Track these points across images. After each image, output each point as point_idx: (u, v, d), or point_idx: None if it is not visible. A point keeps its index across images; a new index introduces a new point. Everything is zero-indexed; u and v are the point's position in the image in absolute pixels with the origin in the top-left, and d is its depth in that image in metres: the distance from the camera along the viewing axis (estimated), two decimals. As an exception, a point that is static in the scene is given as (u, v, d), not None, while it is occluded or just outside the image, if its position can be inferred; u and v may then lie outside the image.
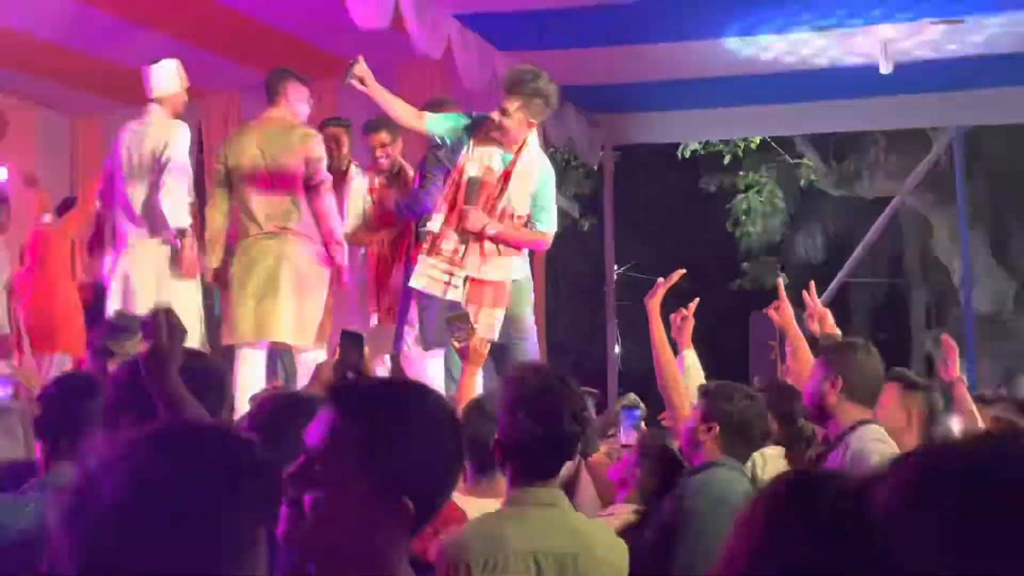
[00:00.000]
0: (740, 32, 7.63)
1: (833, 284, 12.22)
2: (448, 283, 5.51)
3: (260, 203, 5.95)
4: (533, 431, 2.73)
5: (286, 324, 5.87)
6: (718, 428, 3.59)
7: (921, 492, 1.00)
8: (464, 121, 5.67)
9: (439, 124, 5.69)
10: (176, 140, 5.98)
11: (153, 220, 5.93)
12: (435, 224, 5.58)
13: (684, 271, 4.58)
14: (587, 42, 7.73)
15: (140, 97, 6.25)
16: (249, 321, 5.85)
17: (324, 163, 6.12)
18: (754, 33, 7.65)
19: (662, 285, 4.43)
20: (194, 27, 7.34)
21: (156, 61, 6.16)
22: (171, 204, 5.81)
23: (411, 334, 6.07)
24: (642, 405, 4.93)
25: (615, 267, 10.00)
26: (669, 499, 3.60)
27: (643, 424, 5.24)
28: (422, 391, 1.80)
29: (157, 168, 5.89)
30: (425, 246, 5.60)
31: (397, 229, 6.79)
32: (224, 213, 6.09)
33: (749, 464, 3.79)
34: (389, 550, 1.65)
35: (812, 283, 4.93)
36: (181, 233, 5.84)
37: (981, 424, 4.34)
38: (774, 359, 9.62)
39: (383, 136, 6.77)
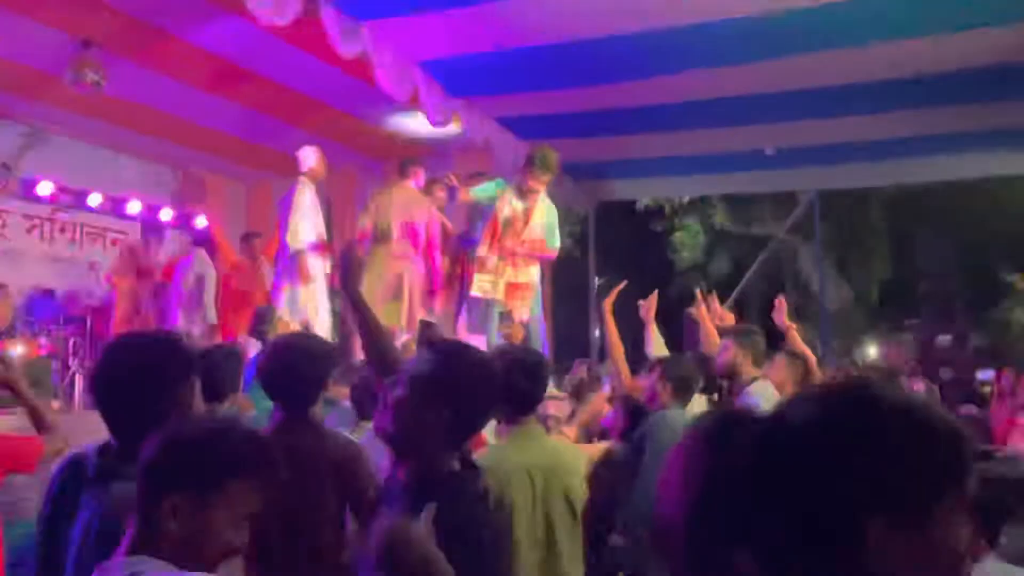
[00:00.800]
0: (676, 127, 7.17)
1: (734, 293, 12.16)
2: (493, 288, 5.58)
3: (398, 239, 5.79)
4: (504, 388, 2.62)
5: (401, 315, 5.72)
6: (670, 384, 3.46)
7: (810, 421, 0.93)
8: (496, 187, 5.68)
9: (482, 192, 5.72)
10: (301, 189, 5.69)
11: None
12: (482, 251, 5.64)
13: (625, 282, 4.50)
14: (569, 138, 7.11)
15: (291, 171, 5.96)
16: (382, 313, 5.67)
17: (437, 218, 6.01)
18: (684, 129, 7.21)
19: (612, 293, 4.36)
20: (318, 125, 7.07)
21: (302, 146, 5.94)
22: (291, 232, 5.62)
23: (462, 322, 6.02)
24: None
25: (596, 279, 10.01)
26: (638, 431, 3.45)
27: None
28: (472, 351, 1.76)
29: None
30: (476, 265, 5.64)
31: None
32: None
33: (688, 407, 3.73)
34: (433, 440, 1.64)
35: (715, 294, 4.96)
36: (297, 252, 5.55)
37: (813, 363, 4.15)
38: (697, 339, 9.57)
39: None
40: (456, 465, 1.67)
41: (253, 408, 3.19)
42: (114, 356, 1.75)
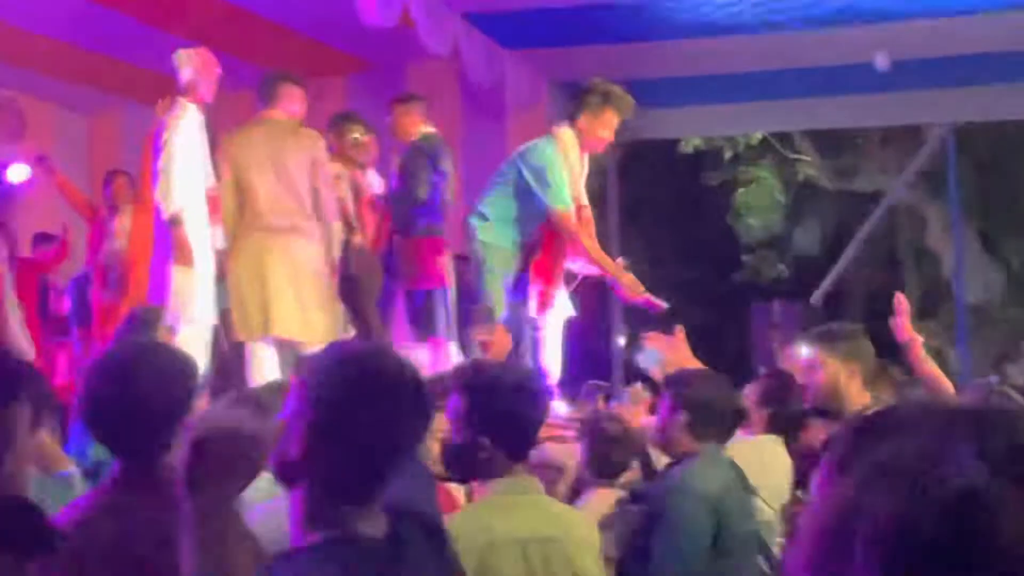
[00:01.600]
0: (742, 30, 7.59)
1: (831, 275, 12.24)
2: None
3: (268, 201, 5.78)
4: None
5: (293, 319, 5.72)
6: (684, 415, 3.55)
7: None
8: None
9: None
10: (175, 123, 5.69)
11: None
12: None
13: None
14: (590, 40, 7.69)
15: (155, 97, 6.13)
16: (256, 317, 5.68)
17: (328, 165, 6.00)
18: (754, 32, 7.62)
19: None
20: (204, 27, 7.28)
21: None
22: (162, 189, 5.58)
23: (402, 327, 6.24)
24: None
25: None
26: (652, 488, 3.66)
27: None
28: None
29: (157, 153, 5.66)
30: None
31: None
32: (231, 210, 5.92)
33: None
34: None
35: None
36: (173, 220, 5.57)
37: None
38: (775, 348, 9.51)
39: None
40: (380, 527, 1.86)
41: (68, 462, 3.33)
42: None
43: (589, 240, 5.89)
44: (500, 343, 5.46)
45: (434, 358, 6.03)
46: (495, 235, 5.90)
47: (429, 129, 6.56)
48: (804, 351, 4.01)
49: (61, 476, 3.25)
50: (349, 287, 5.59)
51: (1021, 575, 0.88)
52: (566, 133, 5.84)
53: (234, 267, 5.77)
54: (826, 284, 11.95)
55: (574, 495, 4.08)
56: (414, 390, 1.93)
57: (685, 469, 3.50)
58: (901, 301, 4.37)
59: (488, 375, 2.89)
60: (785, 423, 4.36)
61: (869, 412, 1.12)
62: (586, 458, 4.02)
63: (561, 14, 7.17)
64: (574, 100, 5.96)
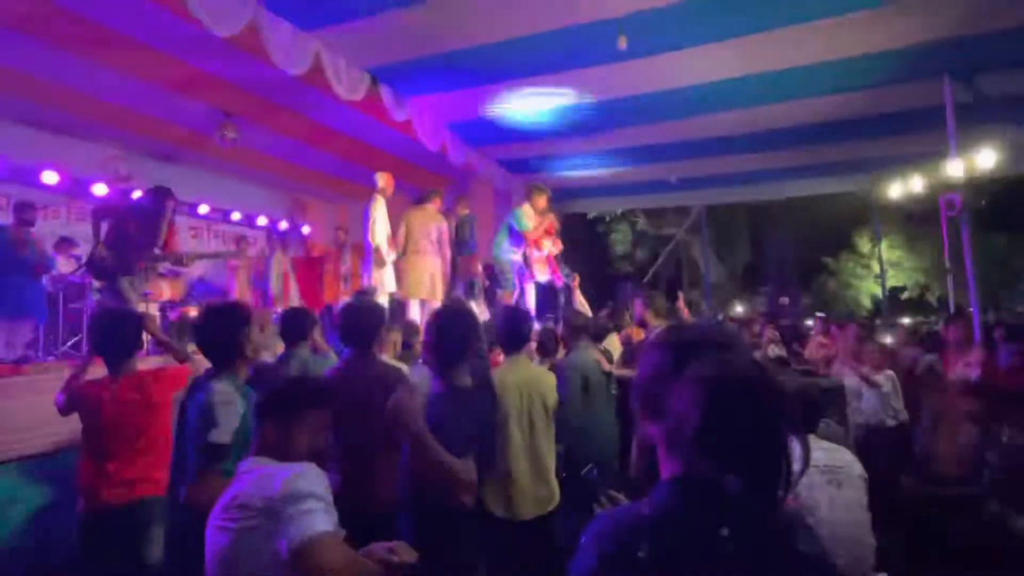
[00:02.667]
0: (617, 163, 6.86)
1: (650, 272, 12.07)
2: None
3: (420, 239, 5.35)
4: (506, 331, 2.55)
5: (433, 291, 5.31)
6: (564, 330, 3.23)
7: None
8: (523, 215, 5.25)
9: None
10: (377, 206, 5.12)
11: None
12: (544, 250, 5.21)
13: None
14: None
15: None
16: (421, 289, 5.27)
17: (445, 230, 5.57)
18: (621, 165, 6.93)
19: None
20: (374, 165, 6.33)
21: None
22: (375, 238, 4.92)
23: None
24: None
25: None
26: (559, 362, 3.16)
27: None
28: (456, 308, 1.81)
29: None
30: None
31: None
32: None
33: (602, 345, 3.47)
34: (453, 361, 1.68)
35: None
36: (377, 250, 4.91)
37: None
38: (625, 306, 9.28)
39: None
40: (468, 380, 1.73)
41: (330, 350, 2.92)
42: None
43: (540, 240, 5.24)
44: (507, 298, 5.00)
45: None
46: (500, 251, 5.48)
47: (466, 211, 5.96)
48: (637, 303, 3.80)
49: (324, 356, 2.85)
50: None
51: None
52: (525, 206, 5.33)
53: (408, 268, 5.36)
54: (650, 274, 11.90)
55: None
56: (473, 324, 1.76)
57: (569, 355, 3.15)
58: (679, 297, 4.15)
59: (510, 310, 2.63)
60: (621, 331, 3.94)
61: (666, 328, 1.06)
62: (538, 345, 3.50)
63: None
64: (526, 192, 5.34)
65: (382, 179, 5.59)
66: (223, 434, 1.83)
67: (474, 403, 1.81)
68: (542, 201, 5.29)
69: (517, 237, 5.28)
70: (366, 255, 5.51)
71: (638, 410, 0.98)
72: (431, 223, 5.33)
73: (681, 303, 4.22)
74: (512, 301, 5.30)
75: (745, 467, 0.77)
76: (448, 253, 5.59)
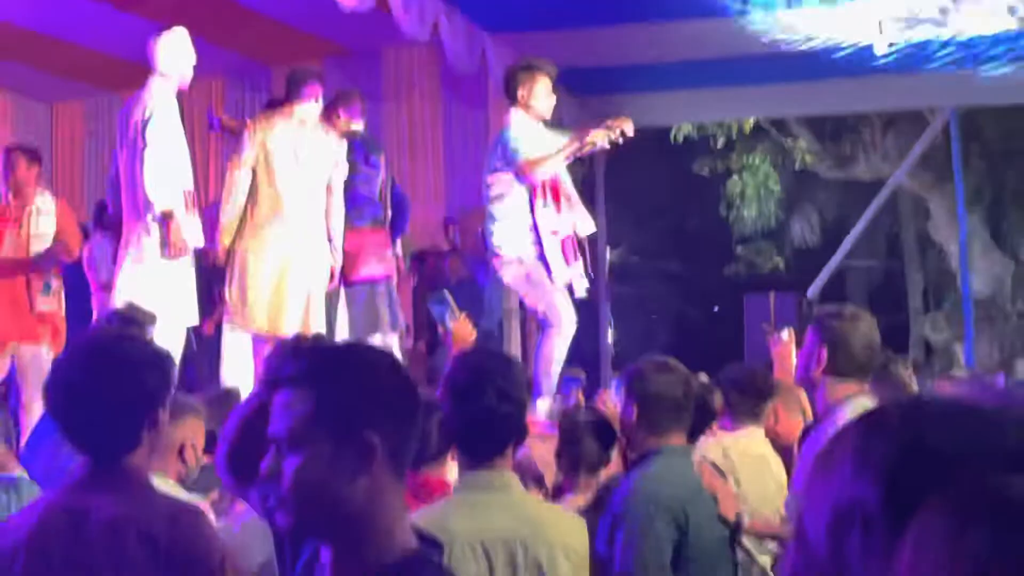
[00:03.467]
0: (733, 11, 7.65)
1: (828, 267, 12.25)
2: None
3: (290, 194, 6.00)
4: (461, 411, 2.76)
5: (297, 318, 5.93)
6: (637, 410, 3.41)
7: None
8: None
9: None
10: (162, 109, 5.76)
11: (137, 200, 5.71)
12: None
13: None
14: (576, 23, 7.75)
15: (121, 83, 6.22)
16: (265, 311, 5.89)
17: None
18: (747, 11, 7.68)
19: None
20: (174, 10, 7.32)
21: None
22: (150, 182, 5.61)
23: (343, 324, 6.37)
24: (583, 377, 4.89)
25: (608, 250, 9.99)
26: (614, 493, 3.48)
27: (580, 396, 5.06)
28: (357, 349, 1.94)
29: (141, 140, 5.67)
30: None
31: None
32: (246, 195, 6.07)
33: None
34: (372, 496, 1.68)
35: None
36: (166, 214, 5.65)
37: None
38: (768, 342, 9.65)
39: None
40: (412, 541, 1.76)
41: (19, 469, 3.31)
42: None
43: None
44: (462, 333, 5.53)
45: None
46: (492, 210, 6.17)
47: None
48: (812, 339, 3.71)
49: (6, 479, 3.20)
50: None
51: None
52: (516, 114, 6.10)
53: (252, 258, 5.95)
54: (823, 276, 11.99)
55: (557, 495, 3.96)
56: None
57: (643, 471, 3.37)
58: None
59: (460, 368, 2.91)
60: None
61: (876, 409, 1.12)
62: (556, 455, 3.94)
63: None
64: (506, 85, 6.25)
65: (171, 43, 5.92)
66: None
67: None
68: (541, 86, 6.12)
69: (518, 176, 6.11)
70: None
71: None
72: (311, 150, 6.03)
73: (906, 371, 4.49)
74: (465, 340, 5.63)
75: None
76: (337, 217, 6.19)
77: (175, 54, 5.83)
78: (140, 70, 5.98)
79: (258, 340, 5.94)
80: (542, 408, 5.76)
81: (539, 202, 5.96)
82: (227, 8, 7.46)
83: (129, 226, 5.79)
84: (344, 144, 6.31)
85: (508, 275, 6.13)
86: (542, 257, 5.94)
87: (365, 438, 1.64)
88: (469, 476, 2.77)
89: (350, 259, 6.38)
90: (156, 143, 5.62)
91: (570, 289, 6.08)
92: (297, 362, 1.78)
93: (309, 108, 6.14)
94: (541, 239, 5.95)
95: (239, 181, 6.00)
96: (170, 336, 5.40)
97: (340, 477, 1.66)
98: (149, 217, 5.66)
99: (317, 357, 1.85)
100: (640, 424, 3.41)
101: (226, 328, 6.16)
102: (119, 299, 5.44)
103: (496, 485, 2.75)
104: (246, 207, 6.01)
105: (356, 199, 6.43)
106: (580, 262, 6.13)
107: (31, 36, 7.81)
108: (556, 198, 6.04)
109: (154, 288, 5.58)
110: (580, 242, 6.18)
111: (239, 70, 9.02)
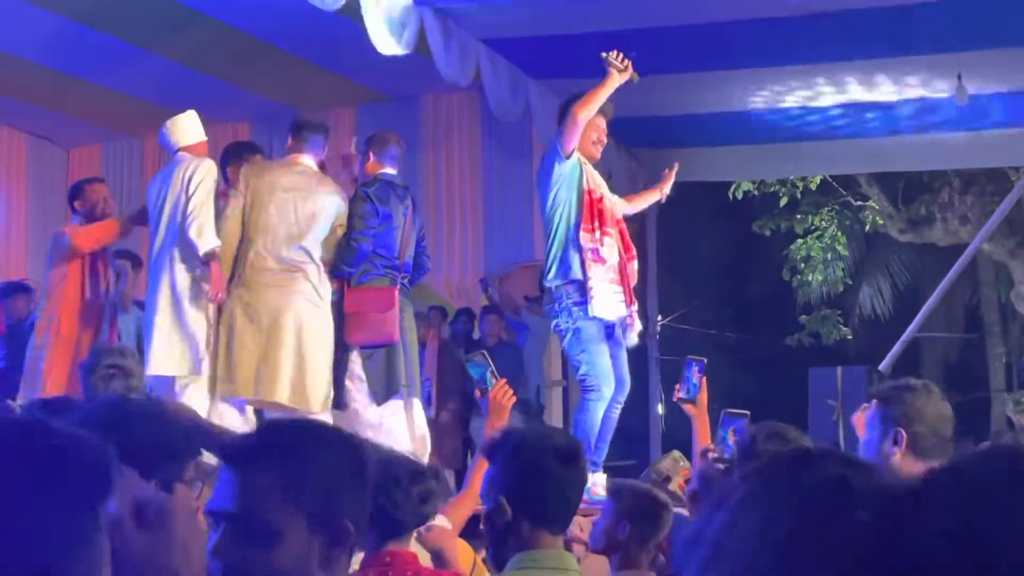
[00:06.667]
0: (797, 60, 7.66)
1: (902, 339, 12.16)
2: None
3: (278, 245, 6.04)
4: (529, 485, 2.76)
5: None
6: (628, 527, 3.55)
7: None
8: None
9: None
10: (201, 174, 6.10)
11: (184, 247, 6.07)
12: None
13: None
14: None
15: (139, 127, 6.29)
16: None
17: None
18: (814, 61, 7.66)
19: None
20: (203, 53, 7.42)
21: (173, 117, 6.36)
22: (196, 227, 5.94)
23: (360, 389, 6.20)
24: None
25: (659, 318, 9.89)
26: None
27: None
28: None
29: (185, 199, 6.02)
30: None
31: None
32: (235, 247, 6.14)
33: None
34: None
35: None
36: (211, 255, 5.94)
37: None
38: (835, 419, 9.51)
39: None
40: None
41: None
42: None
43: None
44: (501, 399, 5.51)
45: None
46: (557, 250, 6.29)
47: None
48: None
49: None
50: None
51: None
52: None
53: (238, 314, 6.00)
54: (897, 349, 11.89)
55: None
56: None
57: None
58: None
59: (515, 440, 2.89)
60: None
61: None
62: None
63: (590, 40, 7.28)
64: (561, 115, 6.38)
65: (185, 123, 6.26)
66: None
67: None
68: (596, 121, 6.50)
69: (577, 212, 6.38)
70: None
71: None
72: (312, 203, 6.12)
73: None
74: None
75: None
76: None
77: (192, 130, 6.31)
78: (159, 113, 6.08)
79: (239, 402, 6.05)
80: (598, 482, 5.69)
81: (584, 225, 6.17)
82: (257, 50, 7.53)
83: None
84: (345, 201, 6.28)
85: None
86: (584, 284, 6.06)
87: (285, 519, 1.77)
88: (524, 554, 2.70)
89: (350, 321, 6.32)
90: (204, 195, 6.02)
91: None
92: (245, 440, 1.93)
93: (309, 160, 6.23)
94: (586, 266, 6.07)
95: (227, 232, 6.06)
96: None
97: (264, 553, 1.78)
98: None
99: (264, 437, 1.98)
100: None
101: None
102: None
103: (554, 562, 2.71)
104: (235, 259, 6.09)
105: (360, 255, 6.35)
106: (635, 306, 6.18)
107: (51, 75, 7.95)
108: (603, 224, 6.27)
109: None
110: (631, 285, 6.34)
111: (268, 114, 9.09)
